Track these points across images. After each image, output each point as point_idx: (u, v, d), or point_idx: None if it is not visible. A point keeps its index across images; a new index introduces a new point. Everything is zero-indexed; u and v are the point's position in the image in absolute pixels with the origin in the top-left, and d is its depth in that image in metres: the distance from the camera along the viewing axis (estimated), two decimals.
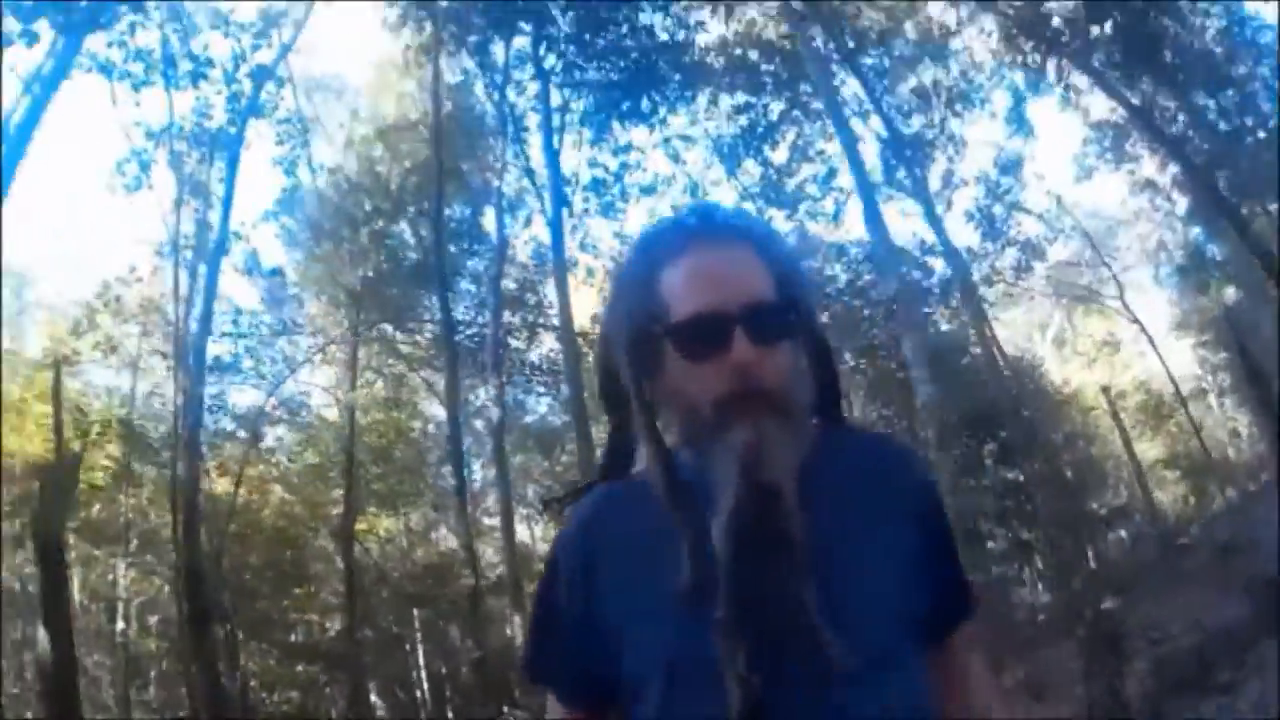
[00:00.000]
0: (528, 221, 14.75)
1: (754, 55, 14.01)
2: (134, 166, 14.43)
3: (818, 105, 14.64)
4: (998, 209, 15.33)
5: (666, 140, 14.55)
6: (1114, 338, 24.05)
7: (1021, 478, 13.70)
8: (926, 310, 13.89)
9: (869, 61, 14.50)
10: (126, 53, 12.77)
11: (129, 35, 12.59)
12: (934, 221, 13.64)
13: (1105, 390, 22.01)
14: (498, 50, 13.52)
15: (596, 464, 1.34)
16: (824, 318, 15.13)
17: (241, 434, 16.84)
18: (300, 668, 18.94)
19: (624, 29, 12.70)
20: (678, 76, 13.41)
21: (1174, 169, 15.16)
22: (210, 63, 14.15)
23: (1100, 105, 15.35)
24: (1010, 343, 21.24)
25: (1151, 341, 21.25)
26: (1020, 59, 14.48)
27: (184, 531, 13.02)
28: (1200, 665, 9.42)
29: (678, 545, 1.08)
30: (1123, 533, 25.14)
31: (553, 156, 12.91)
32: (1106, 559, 22.01)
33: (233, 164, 14.49)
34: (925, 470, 1.33)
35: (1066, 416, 21.93)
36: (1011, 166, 15.62)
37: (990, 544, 16.67)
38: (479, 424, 17.80)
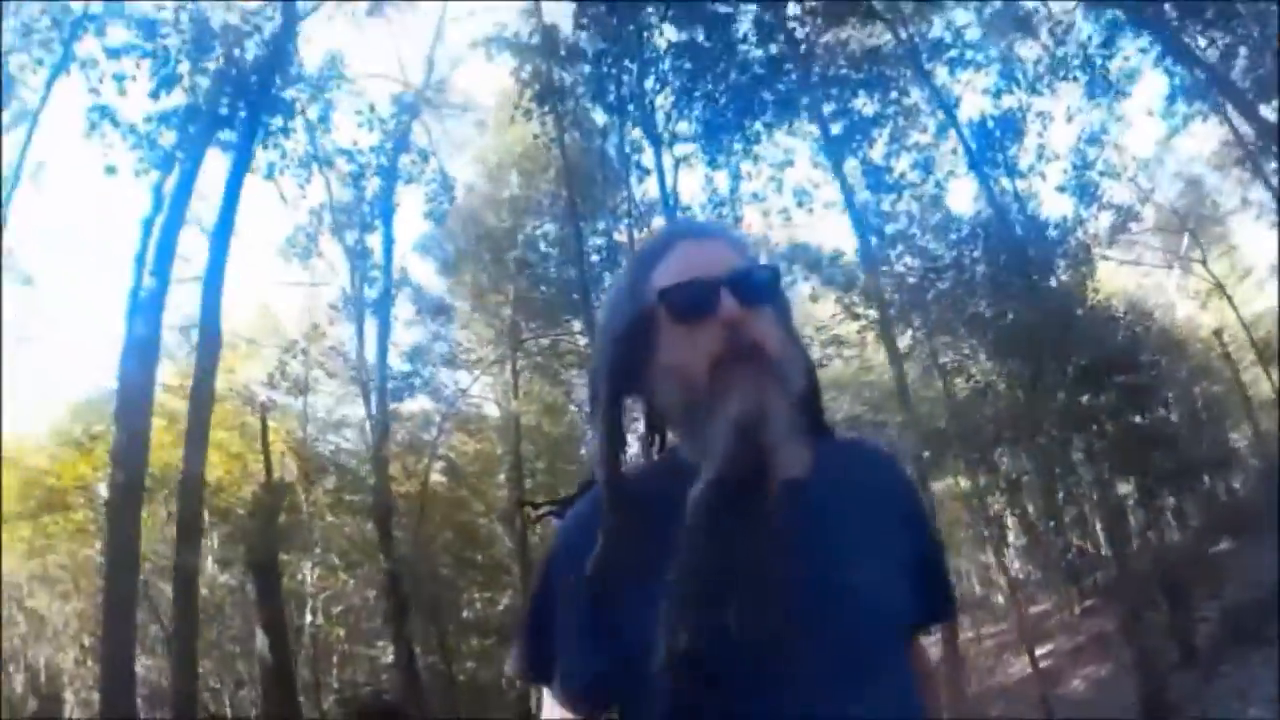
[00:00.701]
0: None
1: (844, 63, 15.08)
2: (302, 239, 16.75)
3: (908, 101, 15.78)
4: (1090, 176, 15.76)
5: (773, 157, 15.65)
6: (1222, 279, 23.70)
7: (1140, 421, 13.93)
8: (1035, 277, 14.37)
9: (953, 54, 15.39)
10: (283, 151, 14.43)
11: (283, 137, 14.25)
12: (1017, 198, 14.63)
13: (1217, 334, 21.99)
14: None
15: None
16: (929, 295, 16.07)
17: (425, 438, 19.00)
18: (474, 641, 20.80)
19: (726, 61, 14.03)
20: (778, 96, 14.60)
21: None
22: (363, 154, 16.36)
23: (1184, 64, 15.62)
24: (1123, 293, 21.20)
25: (1230, 301, 21.04)
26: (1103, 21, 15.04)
27: (382, 537, 15.41)
28: (1262, 617, 9.49)
29: (673, 539, 1.06)
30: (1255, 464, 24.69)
31: (667, 198, 14.36)
32: (1234, 499, 22.00)
33: (388, 223, 16.97)
34: (907, 475, 1.34)
35: (1187, 358, 21.83)
36: (1098, 135, 16.02)
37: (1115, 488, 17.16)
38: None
